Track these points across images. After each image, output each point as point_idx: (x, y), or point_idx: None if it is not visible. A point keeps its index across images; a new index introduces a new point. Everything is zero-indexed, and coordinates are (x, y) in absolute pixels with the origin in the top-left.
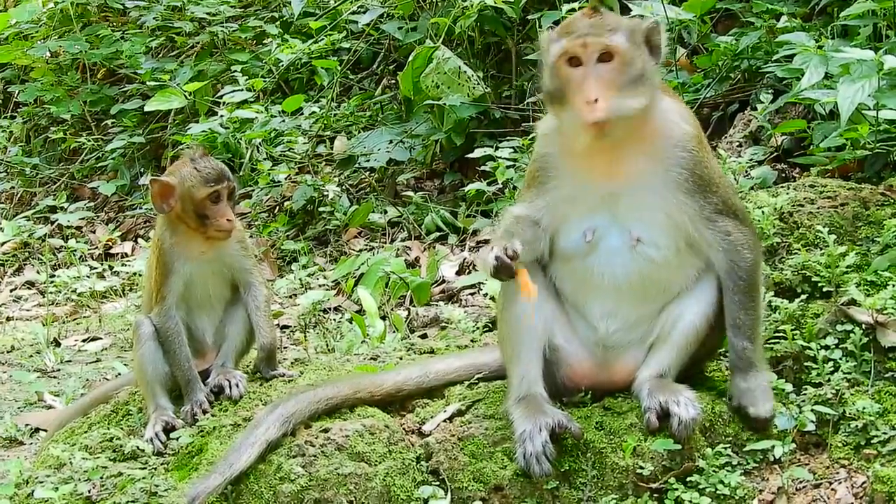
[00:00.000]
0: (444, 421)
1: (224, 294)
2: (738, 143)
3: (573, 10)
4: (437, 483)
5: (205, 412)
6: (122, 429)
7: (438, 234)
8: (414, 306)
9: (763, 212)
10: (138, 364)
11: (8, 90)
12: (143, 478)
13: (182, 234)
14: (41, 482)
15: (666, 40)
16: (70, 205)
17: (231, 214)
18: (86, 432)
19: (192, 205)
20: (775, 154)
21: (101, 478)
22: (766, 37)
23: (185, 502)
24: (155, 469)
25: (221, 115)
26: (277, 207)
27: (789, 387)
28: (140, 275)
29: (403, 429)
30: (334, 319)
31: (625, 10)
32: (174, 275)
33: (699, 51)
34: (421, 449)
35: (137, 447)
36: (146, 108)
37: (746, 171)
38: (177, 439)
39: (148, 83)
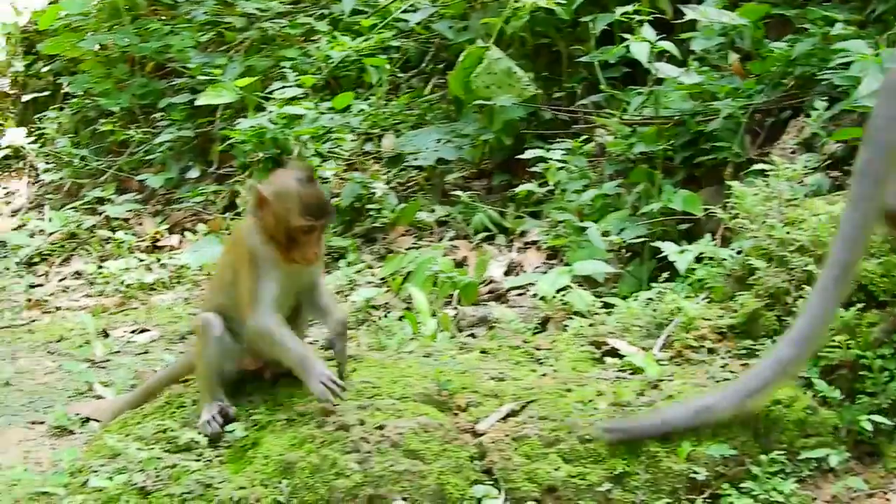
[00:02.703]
0: (499, 420)
1: (292, 301)
2: (791, 150)
3: (627, 14)
4: (491, 483)
5: (335, 382)
6: (175, 421)
7: (486, 234)
8: (461, 305)
9: (820, 219)
10: (204, 362)
11: (57, 82)
12: (198, 469)
13: (269, 241)
14: (95, 471)
15: None
16: (118, 197)
17: (320, 248)
18: (139, 423)
19: (283, 226)
20: (829, 162)
21: (156, 468)
22: (820, 43)
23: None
24: (210, 461)
25: (270, 111)
26: None
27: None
28: (187, 268)
29: (457, 427)
30: (383, 317)
31: (678, 14)
32: (268, 278)
33: (752, 56)
34: (475, 448)
35: (192, 439)
36: (197, 103)
37: (801, 179)
38: (231, 432)
39: (197, 77)
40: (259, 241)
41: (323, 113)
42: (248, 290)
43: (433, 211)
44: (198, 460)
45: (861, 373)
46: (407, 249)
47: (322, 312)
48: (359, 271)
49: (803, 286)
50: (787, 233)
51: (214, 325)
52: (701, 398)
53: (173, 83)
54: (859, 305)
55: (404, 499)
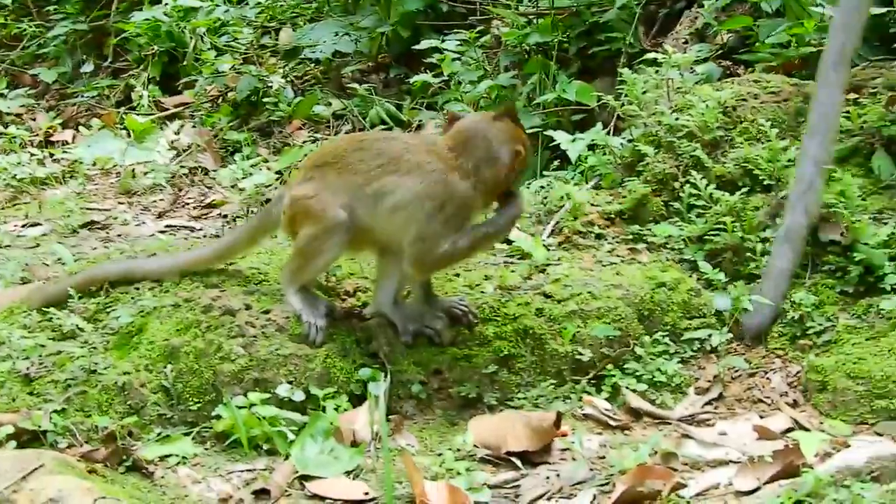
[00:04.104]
0: None
1: None
2: (683, 41)
3: None
4: (377, 366)
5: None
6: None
7: (383, 126)
8: None
9: (707, 105)
10: (322, 253)
11: None
12: (82, 356)
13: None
14: None
15: None
16: (10, 91)
17: None
18: (25, 313)
19: (519, 170)
20: (721, 51)
21: (40, 356)
22: None
23: None
24: (94, 348)
25: (165, 4)
26: (221, 98)
27: (723, 276)
28: (80, 162)
29: (343, 311)
30: None
31: None
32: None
33: None
34: (361, 332)
35: (77, 326)
36: None
37: (691, 67)
38: (117, 318)
39: None
40: (474, 195)
41: (218, 5)
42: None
43: (329, 104)
44: (82, 347)
45: (745, 256)
46: (303, 143)
47: None
48: (254, 164)
49: (690, 171)
50: (676, 119)
51: (348, 223)
52: None
53: None
54: (744, 189)
55: (290, 382)
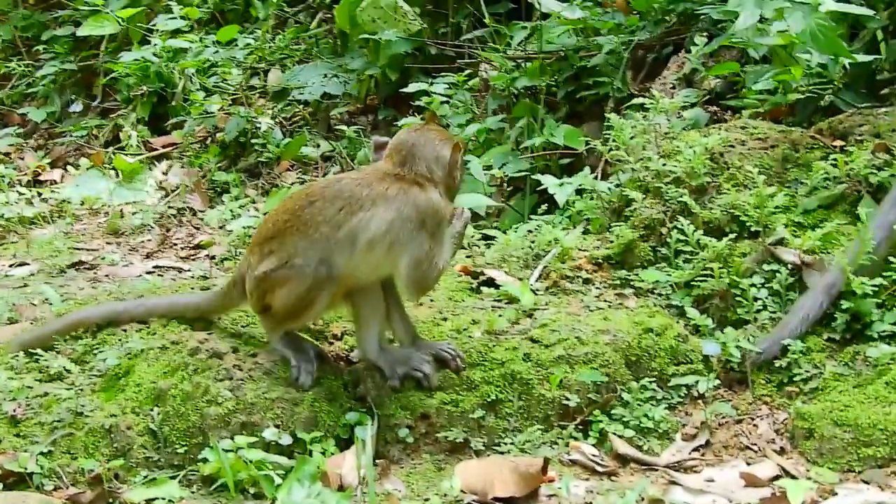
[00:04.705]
0: None
1: None
2: (671, 86)
3: None
4: (364, 410)
5: None
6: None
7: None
8: None
9: (694, 151)
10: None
11: None
12: (69, 398)
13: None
14: None
15: None
16: None
17: None
18: (12, 354)
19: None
20: (708, 97)
21: (27, 397)
22: None
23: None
24: (81, 390)
25: (155, 44)
26: (210, 138)
27: (710, 322)
28: (69, 202)
29: (332, 355)
30: None
31: None
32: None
33: None
34: (349, 376)
35: (64, 368)
36: (79, 33)
37: (679, 113)
38: (104, 360)
39: (81, 9)
40: (441, 200)
41: (208, 46)
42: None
43: (318, 146)
44: (69, 389)
45: (732, 302)
46: (291, 184)
47: None
48: (242, 206)
49: (678, 217)
50: (664, 165)
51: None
52: None
53: (56, 15)
54: (731, 236)
55: (277, 426)
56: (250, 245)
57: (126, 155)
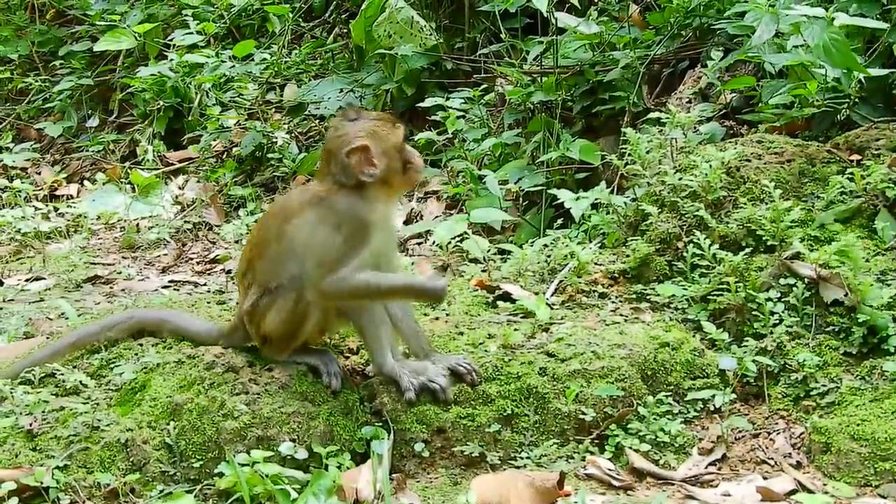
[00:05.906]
0: None
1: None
2: (687, 100)
3: None
4: (380, 424)
5: None
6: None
7: None
8: None
9: (710, 165)
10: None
11: None
12: (86, 412)
13: (373, 200)
14: None
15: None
16: (15, 145)
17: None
18: (28, 368)
19: (396, 152)
20: (724, 111)
21: (43, 412)
22: None
23: None
24: (97, 404)
25: (171, 59)
26: (226, 153)
27: (726, 336)
28: (85, 217)
29: (347, 370)
30: None
31: None
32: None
33: (652, 7)
34: (364, 390)
35: (80, 382)
36: (96, 48)
37: (695, 127)
38: (120, 374)
39: (97, 25)
40: (361, 204)
41: (224, 61)
42: (338, 256)
43: None
44: (85, 403)
45: (748, 316)
46: None
47: None
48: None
49: (694, 231)
50: (680, 179)
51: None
52: None
53: (74, 31)
54: (748, 250)
55: (293, 440)
56: (238, 286)
57: (142, 169)
